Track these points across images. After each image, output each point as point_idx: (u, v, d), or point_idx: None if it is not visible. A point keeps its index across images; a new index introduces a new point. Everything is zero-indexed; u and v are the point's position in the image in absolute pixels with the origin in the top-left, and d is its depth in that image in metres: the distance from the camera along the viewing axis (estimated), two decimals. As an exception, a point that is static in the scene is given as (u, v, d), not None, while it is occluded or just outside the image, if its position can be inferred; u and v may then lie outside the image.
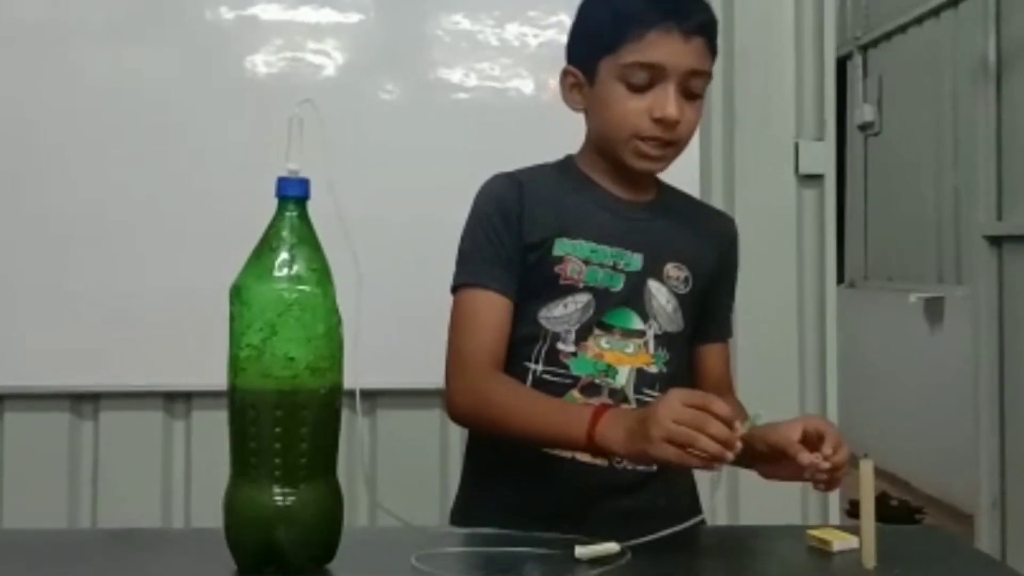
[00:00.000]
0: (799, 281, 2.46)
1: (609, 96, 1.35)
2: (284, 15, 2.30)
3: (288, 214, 1.07)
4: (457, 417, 1.38)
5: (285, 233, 1.06)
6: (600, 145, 1.41)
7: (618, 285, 1.37)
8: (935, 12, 5.11)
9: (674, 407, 1.15)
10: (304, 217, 1.08)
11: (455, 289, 1.39)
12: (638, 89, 1.33)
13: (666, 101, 1.32)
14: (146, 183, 2.24)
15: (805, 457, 1.20)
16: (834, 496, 2.42)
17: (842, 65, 5.77)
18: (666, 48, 1.32)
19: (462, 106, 2.32)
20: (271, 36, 2.29)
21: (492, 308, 1.36)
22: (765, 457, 1.26)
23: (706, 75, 1.37)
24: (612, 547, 1.12)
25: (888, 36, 5.66)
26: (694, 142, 2.33)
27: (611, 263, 1.37)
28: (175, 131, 2.25)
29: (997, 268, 3.49)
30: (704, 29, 1.36)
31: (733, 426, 1.14)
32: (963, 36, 4.54)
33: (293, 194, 1.07)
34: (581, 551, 1.11)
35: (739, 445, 1.14)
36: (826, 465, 1.20)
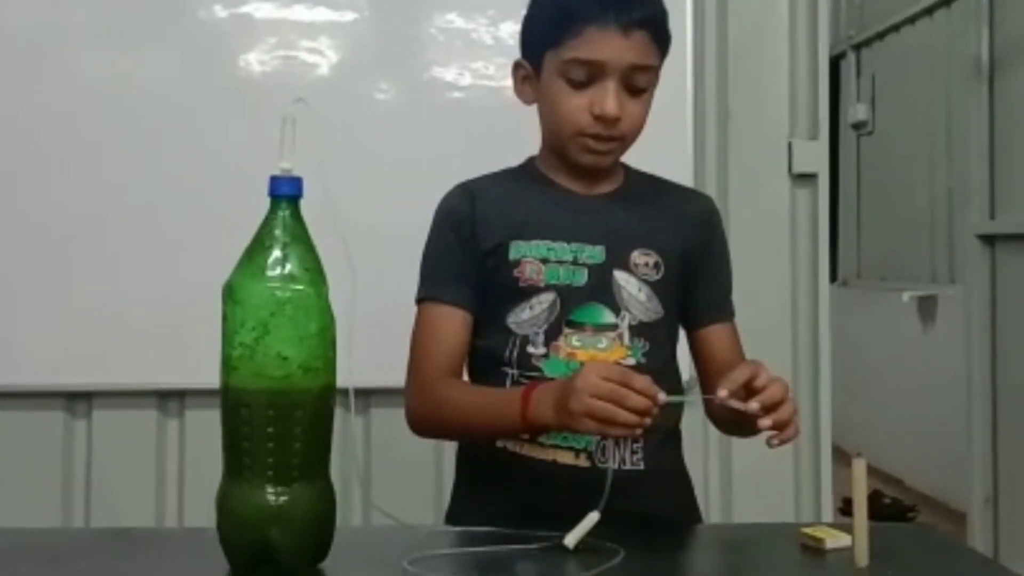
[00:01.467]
0: (792, 280, 2.46)
1: (552, 92, 1.35)
2: (278, 13, 2.30)
3: (281, 213, 1.07)
4: (414, 426, 1.39)
5: (278, 232, 1.06)
6: (548, 140, 1.42)
7: (581, 280, 1.36)
8: (928, 11, 5.12)
9: (591, 381, 1.16)
10: (297, 216, 1.07)
11: (416, 304, 1.41)
12: (578, 85, 1.33)
13: (605, 98, 1.32)
14: (139, 182, 2.24)
15: (722, 392, 1.18)
16: (827, 494, 2.43)
17: (835, 64, 5.78)
18: (604, 44, 1.31)
19: (456, 105, 2.32)
20: (265, 35, 2.29)
21: (447, 321, 1.37)
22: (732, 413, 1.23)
23: (650, 69, 1.35)
24: (593, 516, 1.14)
25: (881, 35, 5.66)
26: (688, 141, 2.36)
27: (571, 259, 1.36)
28: (169, 130, 2.25)
29: (990, 267, 3.49)
30: (646, 23, 1.34)
31: (655, 398, 1.16)
32: (956, 35, 4.54)
33: (286, 193, 1.07)
34: (569, 538, 1.13)
35: (655, 411, 1.16)
36: (723, 394, 1.17)
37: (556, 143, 1.40)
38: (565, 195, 1.41)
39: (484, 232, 1.38)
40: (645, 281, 1.38)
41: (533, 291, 1.35)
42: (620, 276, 1.37)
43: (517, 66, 1.42)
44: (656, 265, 1.39)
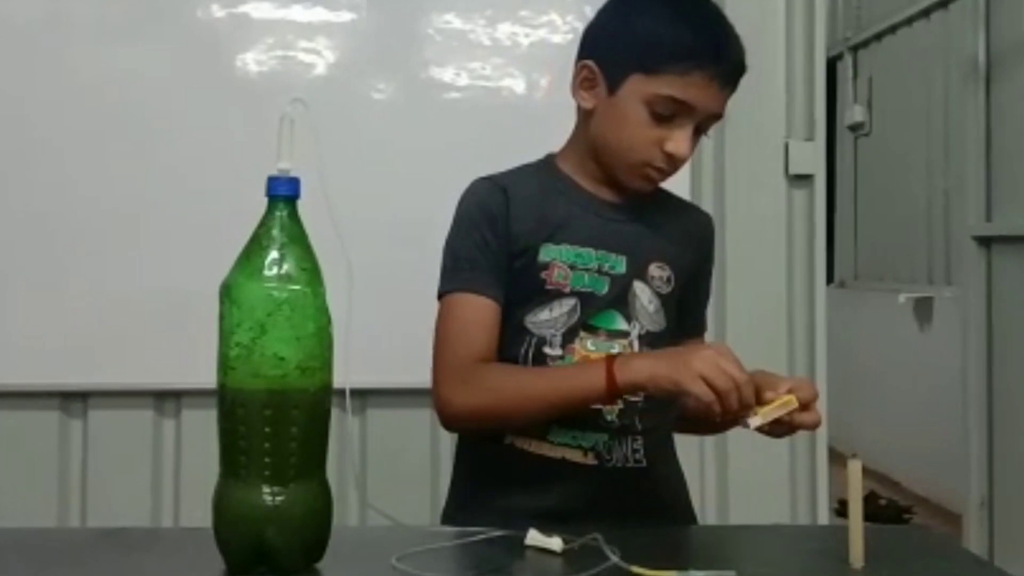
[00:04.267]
0: (789, 281, 2.46)
1: (628, 116, 1.33)
2: (276, 13, 2.30)
3: (278, 213, 1.07)
4: (457, 415, 1.35)
5: (275, 232, 1.06)
6: (596, 152, 1.39)
7: (603, 289, 1.36)
8: (925, 13, 5.13)
9: (727, 357, 1.20)
10: (294, 216, 1.07)
11: (441, 295, 1.38)
12: (659, 119, 1.32)
13: (683, 140, 1.32)
14: (136, 182, 2.23)
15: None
16: (823, 496, 2.43)
17: (832, 66, 5.78)
18: (704, 91, 1.31)
19: (453, 105, 2.32)
20: (262, 35, 2.29)
21: (482, 312, 1.35)
22: None
23: (721, 118, 1.37)
24: (556, 541, 1.14)
25: (878, 37, 5.67)
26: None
27: (596, 267, 1.37)
28: (166, 130, 2.25)
29: (986, 269, 3.50)
30: (739, 77, 1.36)
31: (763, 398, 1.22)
32: (953, 37, 4.55)
33: (283, 193, 1.07)
34: (530, 538, 1.14)
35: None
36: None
37: (607, 159, 1.38)
38: (591, 200, 1.41)
39: (517, 231, 1.36)
40: (657, 293, 1.40)
41: (557, 295, 1.36)
42: (637, 286, 1.38)
43: (583, 67, 1.38)
44: (669, 279, 1.41)
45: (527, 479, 1.35)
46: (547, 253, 1.36)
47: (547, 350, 1.35)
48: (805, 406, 1.24)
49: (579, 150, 1.42)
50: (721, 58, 1.32)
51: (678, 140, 1.32)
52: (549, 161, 1.45)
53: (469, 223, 1.38)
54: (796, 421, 1.24)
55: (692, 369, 1.19)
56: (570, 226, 1.37)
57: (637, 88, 1.32)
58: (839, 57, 5.95)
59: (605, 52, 1.37)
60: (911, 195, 5.21)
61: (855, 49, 5.92)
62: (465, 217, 1.39)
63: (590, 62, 1.37)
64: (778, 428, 1.25)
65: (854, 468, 1.12)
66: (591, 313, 1.36)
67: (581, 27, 2.31)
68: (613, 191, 1.41)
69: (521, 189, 1.39)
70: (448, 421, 1.37)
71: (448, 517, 1.44)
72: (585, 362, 1.32)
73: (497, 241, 1.36)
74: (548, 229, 1.37)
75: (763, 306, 2.40)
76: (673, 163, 1.35)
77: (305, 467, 1.06)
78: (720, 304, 2.29)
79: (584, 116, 1.40)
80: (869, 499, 4.03)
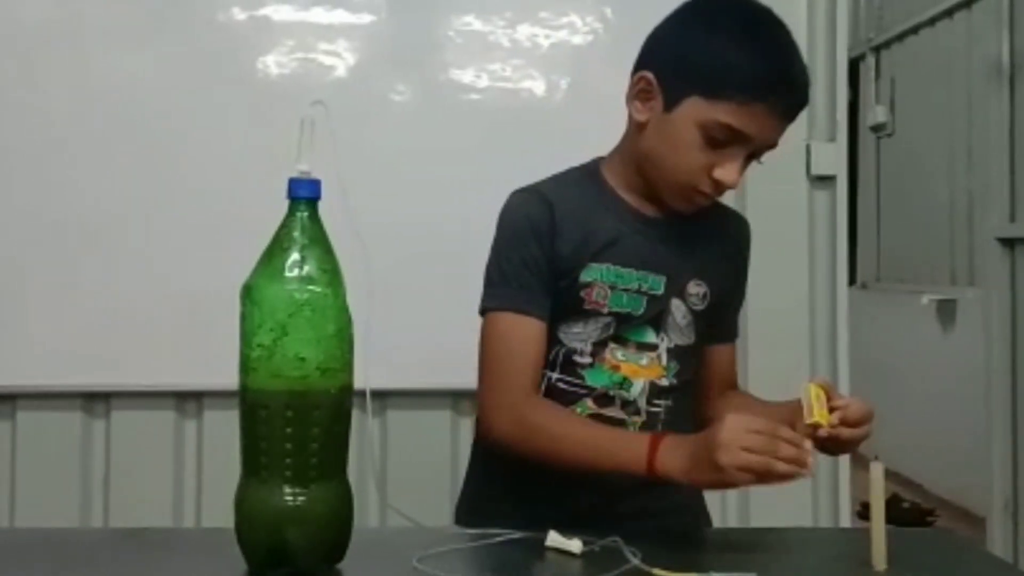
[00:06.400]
0: (811, 282, 2.45)
1: (682, 137, 1.28)
2: (296, 16, 2.30)
3: (299, 215, 1.07)
4: (497, 440, 1.34)
5: (296, 234, 1.06)
6: (643, 165, 1.36)
7: (640, 308, 1.35)
8: (948, 13, 5.10)
9: (740, 436, 1.14)
10: (315, 218, 1.08)
11: (488, 310, 1.35)
12: (713, 144, 1.27)
13: (733, 169, 1.28)
14: (157, 183, 2.24)
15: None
16: (845, 498, 2.42)
17: (855, 66, 5.76)
18: (764, 124, 1.27)
19: (473, 107, 2.32)
20: (283, 37, 2.30)
21: (530, 333, 1.33)
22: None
23: (775, 147, 1.32)
24: (576, 543, 1.13)
25: (901, 37, 5.64)
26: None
27: (635, 287, 1.35)
28: (186, 132, 2.26)
29: (1010, 270, 3.47)
30: (800, 110, 1.31)
31: (803, 444, 1.15)
32: (976, 37, 4.52)
33: (304, 195, 1.07)
34: (550, 539, 1.14)
35: (809, 458, 1.15)
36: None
37: (655, 177, 1.34)
38: (636, 217, 1.38)
39: (562, 250, 1.33)
40: (691, 310, 1.39)
41: (594, 313, 1.34)
42: (674, 304, 1.37)
43: (640, 78, 1.32)
44: (704, 296, 1.40)
45: (546, 481, 1.34)
46: (589, 274, 1.34)
47: (577, 358, 1.35)
48: (855, 423, 1.22)
49: (625, 161, 1.39)
50: (786, 92, 1.28)
51: (728, 169, 1.28)
52: (594, 170, 1.42)
53: (516, 237, 1.35)
54: (844, 436, 1.22)
55: (723, 467, 1.14)
56: (616, 245, 1.35)
57: (694, 111, 1.27)
58: (861, 58, 5.93)
59: (666, 67, 1.31)
60: (934, 196, 5.18)
61: (877, 50, 5.89)
62: (511, 231, 1.36)
63: (649, 74, 1.32)
64: (828, 444, 1.23)
65: (876, 470, 1.12)
66: (624, 329, 1.35)
67: (601, 28, 2.32)
68: (655, 206, 1.38)
69: (566, 203, 1.36)
70: (488, 443, 1.37)
71: (463, 517, 1.44)
72: (630, 438, 1.28)
73: (544, 257, 1.33)
74: (594, 247, 1.34)
75: (785, 308, 2.39)
76: (719, 189, 1.31)
77: (326, 468, 1.06)
78: (742, 306, 2.28)
79: (636, 127, 1.35)
80: (891, 502, 4.01)
